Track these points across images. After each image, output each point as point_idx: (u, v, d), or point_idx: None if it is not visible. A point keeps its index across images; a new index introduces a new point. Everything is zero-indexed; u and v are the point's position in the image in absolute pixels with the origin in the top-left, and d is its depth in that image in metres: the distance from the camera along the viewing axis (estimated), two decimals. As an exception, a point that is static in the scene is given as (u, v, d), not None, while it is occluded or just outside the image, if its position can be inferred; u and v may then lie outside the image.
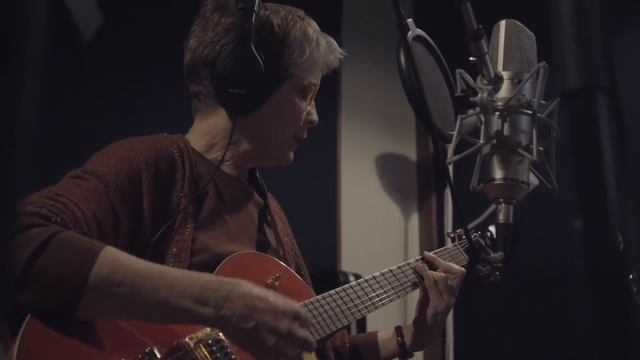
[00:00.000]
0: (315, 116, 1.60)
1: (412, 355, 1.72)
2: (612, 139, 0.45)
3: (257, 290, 1.22)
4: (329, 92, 3.78)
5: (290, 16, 1.54)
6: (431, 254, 1.73)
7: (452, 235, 1.91)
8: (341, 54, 1.63)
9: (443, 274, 1.66)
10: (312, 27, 1.57)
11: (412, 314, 3.75)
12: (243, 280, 1.23)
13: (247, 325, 1.19)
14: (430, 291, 1.64)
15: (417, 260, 1.72)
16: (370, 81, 4.05)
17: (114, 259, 1.17)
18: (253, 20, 1.46)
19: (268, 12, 1.53)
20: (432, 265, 1.70)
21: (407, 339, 1.70)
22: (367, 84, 4.04)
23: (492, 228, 1.94)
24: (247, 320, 1.19)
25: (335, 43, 1.62)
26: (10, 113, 0.39)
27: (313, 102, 1.61)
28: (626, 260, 0.48)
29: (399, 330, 1.72)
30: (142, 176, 1.38)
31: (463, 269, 1.70)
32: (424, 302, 1.67)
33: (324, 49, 1.57)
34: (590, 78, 0.46)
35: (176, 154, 1.46)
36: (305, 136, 1.61)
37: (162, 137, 1.49)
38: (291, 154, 1.61)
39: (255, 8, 1.47)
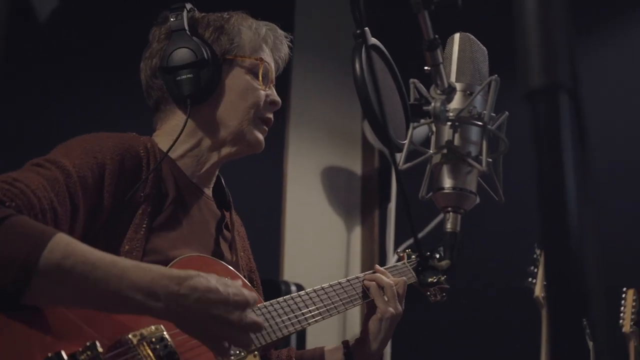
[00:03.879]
0: (276, 97, 1.62)
1: None
2: (573, 139, 0.47)
3: (206, 282, 1.22)
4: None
5: (227, 13, 1.61)
6: (381, 268, 1.75)
7: (402, 254, 1.93)
8: (286, 37, 1.67)
9: (390, 281, 1.68)
10: (250, 19, 1.62)
11: (351, 327, 3.79)
12: (194, 271, 1.23)
13: (198, 319, 1.20)
14: (376, 299, 1.66)
15: (367, 274, 1.73)
16: (319, 94, 4.07)
17: (66, 244, 1.15)
18: (184, 13, 1.55)
19: (203, 13, 1.61)
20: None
21: (354, 351, 1.69)
22: (316, 97, 4.06)
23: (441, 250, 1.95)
24: (198, 314, 1.20)
25: (277, 27, 1.66)
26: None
27: (273, 87, 1.63)
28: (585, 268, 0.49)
29: (345, 344, 1.72)
30: (105, 171, 1.37)
31: (404, 278, 1.73)
32: (369, 313, 1.68)
33: (264, 31, 1.62)
34: (553, 78, 0.47)
35: (142, 154, 1.46)
36: (270, 117, 1.62)
37: (130, 136, 1.49)
38: (260, 136, 1.60)
39: (187, 6, 1.57)
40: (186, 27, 1.53)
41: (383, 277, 1.69)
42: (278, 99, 1.62)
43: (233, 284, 1.26)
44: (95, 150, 1.38)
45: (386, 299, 1.66)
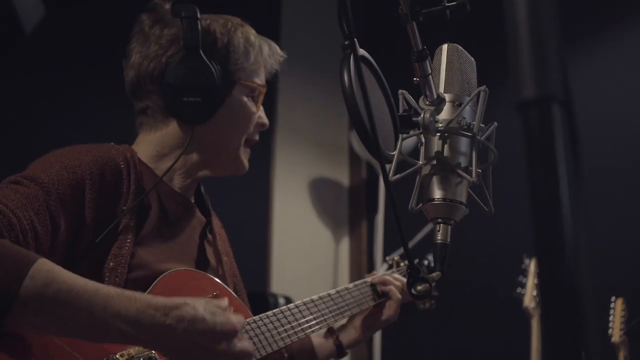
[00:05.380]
0: (265, 119, 1.61)
1: (346, 353, 1.80)
2: (566, 149, 0.46)
3: (193, 311, 1.19)
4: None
5: (230, 23, 1.54)
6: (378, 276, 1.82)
7: (390, 262, 1.95)
8: (282, 56, 1.65)
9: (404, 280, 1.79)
10: (252, 32, 1.58)
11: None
12: (181, 299, 1.20)
13: (185, 350, 1.18)
14: (393, 304, 1.76)
15: (366, 281, 1.80)
16: (306, 106, 4.07)
17: (48, 271, 1.12)
18: (199, 27, 1.46)
19: (208, 22, 1.52)
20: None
21: (343, 338, 1.77)
22: (303, 109, 4.06)
23: (430, 257, 1.98)
24: (185, 346, 1.18)
25: (276, 46, 1.63)
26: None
27: (261, 107, 1.61)
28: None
29: (332, 331, 1.77)
30: (85, 186, 1.33)
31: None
32: (377, 310, 1.77)
33: (266, 51, 1.58)
34: (545, 89, 0.47)
35: (122, 165, 1.41)
36: (257, 139, 1.61)
37: (108, 147, 1.44)
38: (246, 161, 1.58)
39: (199, 16, 1.47)
40: (200, 46, 1.45)
41: (396, 278, 1.80)
42: (267, 121, 1.61)
43: (220, 312, 1.24)
44: (74, 165, 1.34)
45: (400, 296, 1.76)
